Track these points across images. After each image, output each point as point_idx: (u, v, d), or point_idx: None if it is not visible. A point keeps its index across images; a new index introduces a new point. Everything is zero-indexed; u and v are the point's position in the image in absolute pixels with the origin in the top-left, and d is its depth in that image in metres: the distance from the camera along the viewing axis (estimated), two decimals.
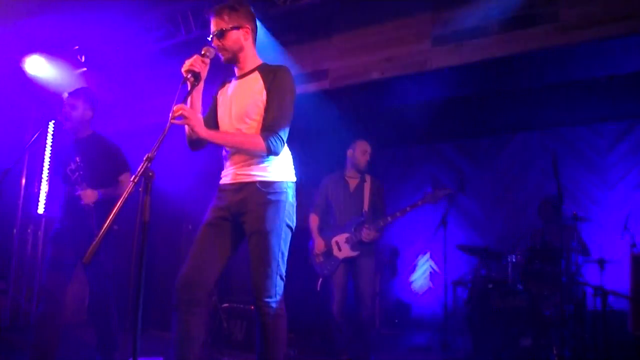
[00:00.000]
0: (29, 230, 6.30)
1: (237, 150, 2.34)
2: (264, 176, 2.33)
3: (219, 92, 2.52)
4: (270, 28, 4.83)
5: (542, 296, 4.19)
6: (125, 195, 1.84)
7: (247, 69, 2.43)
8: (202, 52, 2.27)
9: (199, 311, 2.27)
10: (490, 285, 4.49)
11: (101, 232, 1.81)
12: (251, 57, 2.45)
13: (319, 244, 4.04)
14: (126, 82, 5.65)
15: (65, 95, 3.49)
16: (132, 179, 1.87)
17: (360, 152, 4.15)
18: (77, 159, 3.30)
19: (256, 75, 2.39)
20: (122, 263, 3.63)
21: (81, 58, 5.71)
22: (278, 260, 2.29)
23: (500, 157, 6.59)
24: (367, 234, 3.94)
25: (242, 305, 4.75)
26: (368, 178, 4.22)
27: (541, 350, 4.06)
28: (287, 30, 5.00)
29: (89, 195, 3.26)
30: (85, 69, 5.76)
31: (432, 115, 5.89)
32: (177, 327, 2.25)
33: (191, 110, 2.17)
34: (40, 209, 6.29)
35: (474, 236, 6.42)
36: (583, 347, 4.16)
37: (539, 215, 5.01)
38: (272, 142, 2.25)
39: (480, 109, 5.71)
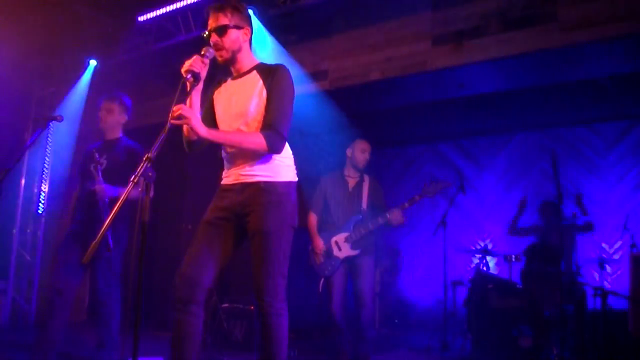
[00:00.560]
0: (28, 230, 6.30)
1: (238, 150, 2.33)
2: (268, 176, 2.33)
3: (215, 92, 2.50)
4: (270, 28, 4.84)
5: (542, 296, 4.19)
6: (124, 195, 1.84)
7: (244, 69, 2.41)
8: (202, 52, 2.26)
9: (197, 310, 2.27)
10: (490, 285, 4.49)
11: (101, 232, 1.81)
12: (248, 58, 2.43)
13: (318, 245, 4.03)
14: (126, 82, 5.65)
15: (102, 100, 3.68)
16: (131, 179, 1.87)
17: (359, 151, 4.14)
18: (102, 157, 3.48)
19: (254, 75, 2.38)
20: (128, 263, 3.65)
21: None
22: (280, 261, 2.29)
23: (500, 157, 6.59)
24: (396, 216, 3.89)
25: (241, 306, 4.75)
26: (366, 178, 4.22)
27: (541, 350, 4.06)
28: (287, 30, 5.00)
29: (103, 190, 3.35)
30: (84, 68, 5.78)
31: (432, 115, 5.89)
32: (175, 325, 2.25)
33: (191, 110, 2.16)
34: (40, 209, 6.30)
35: (474, 236, 6.43)
36: (583, 347, 4.16)
37: (540, 217, 5.01)
38: (273, 140, 2.25)
39: (480, 109, 5.71)
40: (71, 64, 5.92)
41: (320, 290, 4.03)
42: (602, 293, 4.10)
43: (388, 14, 4.64)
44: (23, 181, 6.27)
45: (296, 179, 2.45)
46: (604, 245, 5.49)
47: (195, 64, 2.20)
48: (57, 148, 6.32)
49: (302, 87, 4.95)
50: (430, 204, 4.11)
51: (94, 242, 1.80)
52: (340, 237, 4.01)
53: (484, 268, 4.78)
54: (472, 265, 5.49)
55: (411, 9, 4.53)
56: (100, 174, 3.40)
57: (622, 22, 3.65)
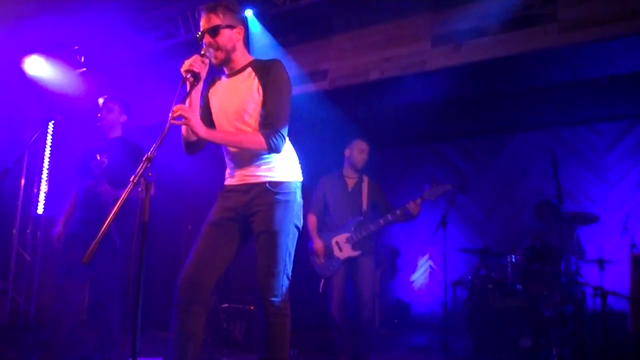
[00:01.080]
0: (28, 231, 6.30)
1: (239, 150, 2.33)
2: (273, 176, 2.33)
3: (210, 91, 2.48)
4: (270, 28, 4.83)
5: (542, 296, 4.19)
6: (124, 195, 1.84)
7: (238, 67, 2.40)
8: (202, 52, 2.26)
9: (199, 310, 2.27)
10: (489, 286, 4.49)
11: (101, 232, 1.81)
12: (242, 56, 2.42)
13: (318, 245, 4.02)
14: (126, 82, 5.64)
15: (101, 100, 3.71)
16: (131, 179, 1.87)
17: (357, 151, 4.14)
18: (104, 156, 3.49)
19: (249, 72, 2.37)
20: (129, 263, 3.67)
21: (81, 58, 5.72)
22: (285, 260, 2.29)
23: (500, 157, 6.59)
24: (413, 206, 3.87)
25: (241, 306, 4.75)
26: (365, 178, 4.21)
27: (541, 350, 4.06)
28: (287, 30, 5.00)
29: (108, 192, 3.37)
30: (84, 69, 5.76)
31: (432, 115, 5.89)
32: (176, 325, 2.25)
33: (191, 111, 2.16)
34: (40, 209, 6.29)
35: (474, 236, 6.43)
36: (582, 348, 4.16)
37: (536, 216, 5.01)
38: (272, 139, 2.24)
39: (480, 109, 5.72)
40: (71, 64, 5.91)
41: (320, 290, 4.03)
42: (602, 293, 4.10)
43: (388, 14, 4.64)
44: (23, 181, 6.26)
45: (301, 178, 2.45)
46: (604, 245, 5.49)
47: (195, 64, 2.19)
48: (57, 148, 6.32)
49: (301, 87, 4.94)
50: (430, 204, 4.09)
51: (94, 242, 1.80)
52: (341, 238, 4.01)
53: (484, 268, 4.78)
54: (472, 266, 5.49)
55: (411, 9, 4.53)
56: (102, 173, 3.41)
57: (622, 22, 3.65)
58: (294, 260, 2.36)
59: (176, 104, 2.10)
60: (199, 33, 2.35)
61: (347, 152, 4.19)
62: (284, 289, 2.29)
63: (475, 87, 4.95)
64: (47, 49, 5.56)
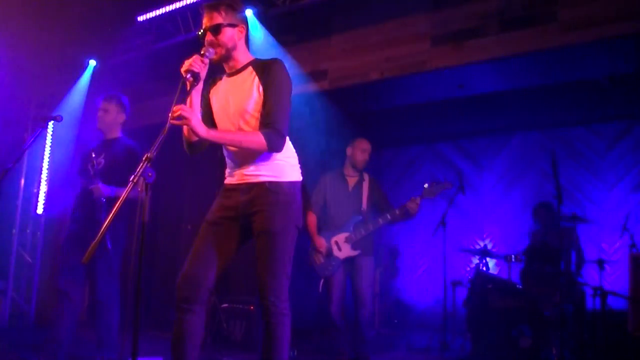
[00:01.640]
0: (28, 231, 6.30)
1: (240, 149, 2.33)
2: (273, 176, 2.32)
3: (211, 91, 2.48)
4: (270, 28, 4.84)
5: (542, 296, 4.19)
6: (124, 196, 1.84)
7: (239, 66, 2.40)
8: (202, 52, 2.26)
9: (198, 309, 2.27)
10: (489, 286, 4.49)
11: (100, 233, 1.81)
12: (243, 55, 2.41)
13: (320, 244, 4.01)
14: (125, 82, 5.64)
15: (99, 101, 3.73)
16: (131, 179, 1.87)
17: (359, 150, 4.14)
18: (100, 156, 3.52)
19: (250, 71, 2.36)
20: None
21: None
22: (285, 261, 2.29)
23: (500, 158, 6.59)
24: (412, 205, 3.88)
25: (241, 306, 4.75)
26: (366, 177, 4.21)
27: (540, 350, 4.06)
28: (287, 30, 5.00)
29: (100, 190, 3.37)
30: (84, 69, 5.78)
31: (431, 115, 5.89)
32: (177, 324, 2.25)
33: (191, 111, 2.16)
34: (40, 210, 6.29)
35: (474, 236, 6.43)
36: (582, 347, 4.16)
37: (535, 219, 5.01)
38: (272, 139, 2.24)
39: (479, 109, 5.72)
40: (71, 64, 5.91)
41: (320, 290, 4.03)
42: (602, 293, 4.10)
43: (388, 14, 4.64)
44: (22, 181, 6.26)
45: (301, 178, 2.44)
46: (603, 245, 5.50)
47: (195, 64, 2.19)
48: (56, 148, 6.32)
49: (301, 87, 4.94)
50: (430, 204, 4.11)
51: (94, 242, 1.80)
52: (340, 237, 4.01)
53: (484, 268, 4.78)
54: (472, 266, 5.49)
55: (411, 9, 4.53)
56: (96, 173, 3.41)
57: (622, 22, 3.65)
58: (293, 261, 2.36)
59: (176, 104, 2.10)
60: (201, 31, 2.34)
61: (348, 151, 4.18)
62: (284, 289, 2.29)
63: (474, 87, 4.95)
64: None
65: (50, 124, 6.14)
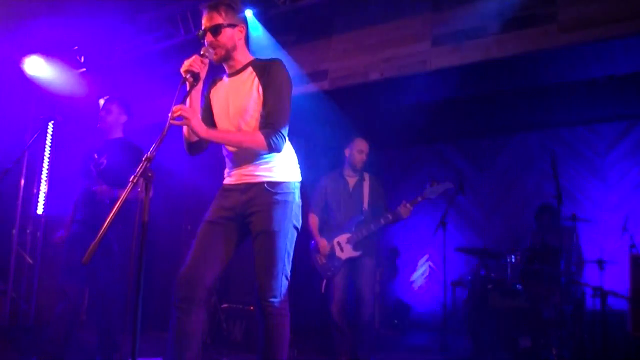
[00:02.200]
0: (28, 231, 6.29)
1: (239, 149, 2.33)
2: (271, 176, 2.32)
3: (211, 91, 2.48)
4: (270, 28, 4.83)
5: (542, 296, 4.19)
6: (124, 195, 1.84)
7: (239, 66, 2.40)
8: (201, 52, 2.25)
9: (197, 310, 2.26)
10: (489, 286, 4.49)
11: (100, 233, 1.81)
12: (243, 55, 2.41)
13: (323, 245, 4.02)
14: (125, 82, 5.64)
15: (101, 101, 3.74)
16: (130, 179, 1.87)
17: (356, 151, 4.13)
18: (103, 157, 3.53)
19: (250, 71, 2.36)
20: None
21: (80, 59, 5.72)
22: (284, 261, 2.29)
23: (500, 158, 6.59)
24: (403, 210, 3.89)
25: (241, 306, 4.75)
26: (367, 176, 4.21)
27: (540, 350, 4.06)
28: (287, 30, 5.00)
29: (104, 191, 3.37)
30: (84, 69, 5.76)
31: (431, 115, 5.89)
32: (175, 325, 2.25)
33: (191, 111, 2.16)
34: (40, 210, 6.29)
35: (473, 237, 6.43)
36: (582, 348, 4.16)
37: (536, 221, 5.00)
38: (272, 139, 2.23)
39: (479, 109, 5.71)
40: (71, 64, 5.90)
41: (322, 291, 4.03)
42: (602, 293, 4.10)
43: (388, 14, 4.64)
44: (22, 181, 6.26)
45: (300, 178, 2.44)
46: (603, 245, 5.49)
47: (195, 64, 2.19)
48: (56, 148, 6.32)
49: (301, 87, 4.94)
50: (430, 204, 4.11)
51: (94, 243, 1.79)
52: (342, 238, 4.01)
53: (484, 268, 4.78)
54: (472, 266, 5.49)
55: (411, 9, 4.53)
56: (99, 174, 3.43)
57: (622, 22, 3.65)
58: (294, 261, 2.36)
59: (176, 104, 2.10)
60: (201, 31, 2.34)
61: (346, 152, 4.18)
62: (283, 289, 2.29)
63: (474, 87, 4.95)
64: (47, 49, 5.56)
65: (50, 124, 6.13)
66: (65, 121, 5.31)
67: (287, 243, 2.31)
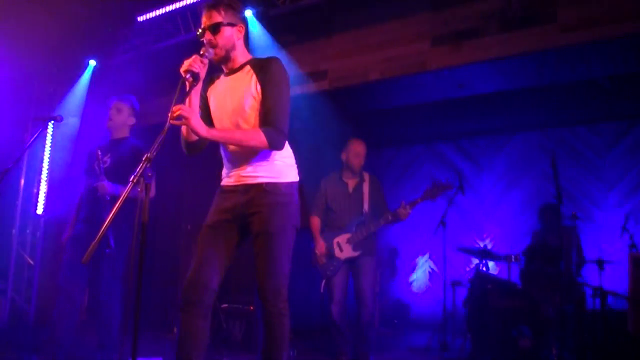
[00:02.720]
0: (27, 231, 6.29)
1: (239, 149, 2.33)
2: (270, 177, 2.32)
3: (209, 90, 2.48)
4: (270, 28, 4.83)
5: (542, 296, 4.18)
6: (124, 195, 1.84)
7: (237, 65, 2.39)
8: (201, 52, 2.25)
9: (204, 313, 2.27)
10: (489, 286, 4.48)
11: (100, 232, 1.81)
12: (242, 54, 2.41)
13: (320, 246, 4.04)
14: (125, 82, 5.64)
15: (112, 100, 3.75)
16: (130, 179, 1.87)
17: (353, 155, 4.13)
18: (107, 155, 3.54)
19: (248, 69, 2.36)
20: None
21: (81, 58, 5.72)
22: (284, 261, 2.30)
23: (500, 157, 6.59)
24: (402, 211, 3.90)
25: (241, 306, 4.75)
26: (366, 177, 4.21)
27: (540, 350, 4.06)
28: (287, 30, 5.00)
29: (104, 188, 3.38)
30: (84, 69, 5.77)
31: (431, 115, 5.89)
32: (183, 328, 2.25)
33: (191, 110, 2.16)
34: (40, 210, 6.29)
35: (473, 237, 6.43)
36: (582, 348, 4.15)
37: (540, 220, 5.00)
38: (273, 137, 2.23)
39: (479, 109, 5.71)
40: (71, 64, 5.91)
41: (322, 290, 4.04)
42: (602, 293, 4.10)
43: (388, 14, 4.64)
44: (22, 181, 6.26)
45: (298, 178, 2.44)
46: (603, 245, 5.49)
47: (195, 64, 2.19)
48: (56, 148, 6.32)
49: (301, 87, 4.94)
50: (430, 204, 4.11)
51: (94, 241, 1.80)
52: (342, 238, 4.02)
53: (484, 268, 4.78)
54: (472, 266, 5.49)
55: (411, 9, 4.53)
56: (102, 172, 3.43)
57: (622, 22, 3.65)
58: (294, 261, 2.36)
59: (176, 104, 2.10)
60: (200, 30, 2.34)
61: (343, 156, 4.18)
62: (283, 289, 2.29)
63: (474, 87, 4.95)
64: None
65: (50, 124, 6.14)
66: (65, 121, 5.31)
67: (287, 243, 2.31)
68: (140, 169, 1.88)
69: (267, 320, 2.27)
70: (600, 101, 5.41)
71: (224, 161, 2.44)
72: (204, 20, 2.34)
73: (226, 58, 2.37)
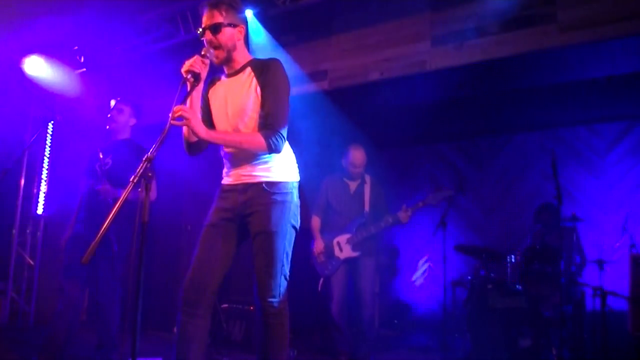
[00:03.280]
0: (27, 231, 6.30)
1: (238, 150, 2.33)
2: (269, 177, 2.32)
3: (210, 91, 2.48)
4: (270, 28, 4.84)
5: (542, 297, 4.19)
6: (123, 196, 1.84)
7: (238, 66, 2.39)
8: (202, 53, 2.25)
9: (203, 313, 2.27)
10: (489, 286, 4.48)
11: (100, 233, 1.81)
12: (242, 55, 2.41)
13: (318, 245, 4.05)
14: (125, 82, 5.64)
15: (113, 101, 3.75)
16: (130, 179, 1.87)
17: (350, 165, 4.15)
18: (108, 157, 3.54)
19: (248, 71, 2.36)
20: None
21: (80, 59, 5.72)
22: (283, 261, 2.29)
23: (500, 158, 6.59)
24: (403, 215, 3.92)
25: (241, 306, 4.75)
26: (368, 179, 4.22)
27: (540, 350, 4.06)
28: (287, 30, 5.00)
29: (107, 191, 3.39)
30: (84, 69, 5.76)
31: (431, 115, 5.89)
32: (182, 328, 2.25)
33: (191, 111, 2.16)
34: (40, 210, 6.29)
35: (473, 237, 6.42)
36: (582, 348, 4.16)
37: (536, 220, 5.00)
38: (272, 140, 2.23)
39: (479, 110, 5.71)
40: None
41: (319, 289, 4.04)
42: (602, 293, 4.10)
43: (388, 14, 4.64)
44: (22, 181, 6.26)
45: (298, 178, 2.45)
46: (603, 245, 5.49)
47: (196, 64, 2.19)
48: (56, 148, 6.32)
49: (301, 87, 4.94)
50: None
51: (93, 243, 1.80)
52: (342, 238, 4.03)
53: (484, 268, 4.78)
54: (472, 266, 5.48)
55: (411, 9, 4.53)
56: (104, 173, 3.43)
57: (622, 22, 3.65)
58: (294, 261, 2.36)
59: (176, 104, 2.10)
60: (200, 30, 2.34)
61: (343, 163, 4.22)
62: (282, 289, 2.29)
63: (474, 88, 4.95)
64: (47, 49, 5.56)
65: (50, 124, 6.14)
66: (65, 121, 5.31)
67: (286, 243, 2.31)
68: (140, 169, 1.88)
69: (267, 320, 2.27)
70: (601, 101, 5.40)
71: (224, 160, 2.45)
72: (205, 20, 2.33)
73: (228, 59, 2.37)
